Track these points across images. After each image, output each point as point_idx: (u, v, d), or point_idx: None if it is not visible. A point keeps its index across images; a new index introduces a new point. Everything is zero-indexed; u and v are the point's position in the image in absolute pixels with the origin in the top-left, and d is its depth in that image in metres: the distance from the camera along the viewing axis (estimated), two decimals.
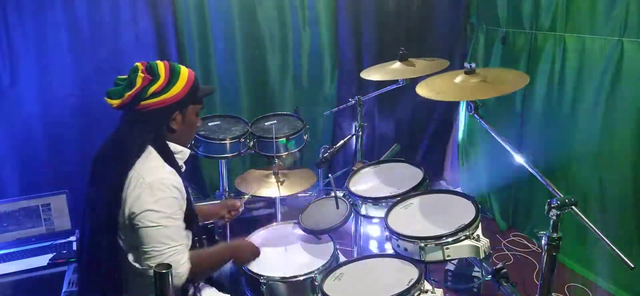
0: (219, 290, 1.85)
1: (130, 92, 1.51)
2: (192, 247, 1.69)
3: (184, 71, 1.59)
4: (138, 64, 1.55)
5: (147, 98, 1.52)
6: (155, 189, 1.49)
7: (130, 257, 1.54)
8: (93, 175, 1.61)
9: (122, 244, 1.54)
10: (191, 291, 1.70)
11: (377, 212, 2.07)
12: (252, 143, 2.72)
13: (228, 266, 2.02)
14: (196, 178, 3.33)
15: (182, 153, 1.66)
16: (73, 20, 2.80)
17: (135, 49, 2.95)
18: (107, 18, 2.87)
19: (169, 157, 1.59)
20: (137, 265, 1.53)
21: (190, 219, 1.65)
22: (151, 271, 1.40)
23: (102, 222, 1.53)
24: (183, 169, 1.69)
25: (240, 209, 2.10)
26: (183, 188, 1.58)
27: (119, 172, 1.51)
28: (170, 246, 1.51)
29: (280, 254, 2.05)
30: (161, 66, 1.55)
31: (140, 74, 1.51)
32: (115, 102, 1.53)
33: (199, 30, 3.11)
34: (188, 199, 1.63)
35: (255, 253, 1.94)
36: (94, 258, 1.57)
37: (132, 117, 1.56)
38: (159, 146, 1.57)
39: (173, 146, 1.62)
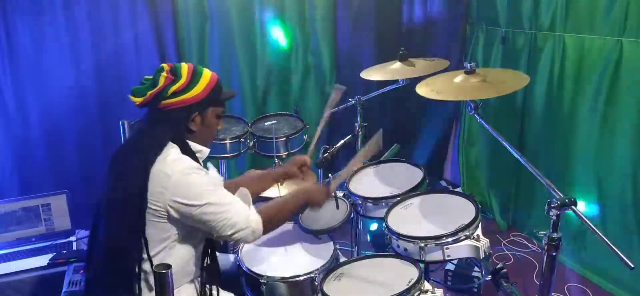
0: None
1: (152, 91, 1.54)
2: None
3: (206, 73, 1.61)
4: (164, 65, 1.58)
5: (167, 97, 1.54)
6: (186, 175, 1.52)
7: (171, 242, 1.57)
8: (111, 173, 1.60)
9: (162, 236, 1.55)
10: (209, 292, 1.71)
11: (377, 212, 2.07)
12: (252, 143, 2.72)
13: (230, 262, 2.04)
14: None
15: (201, 151, 1.68)
16: (73, 21, 2.80)
17: (135, 49, 2.95)
18: (106, 19, 2.87)
19: (189, 154, 1.60)
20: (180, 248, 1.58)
21: None
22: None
23: (125, 221, 1.53)
24: None
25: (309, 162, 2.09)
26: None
27: (139, 170, 1.51)
28: (227, 209, 1.56)
29: (280, 254, 2.04)
30: (184, 67, 1.58)
31: (164, 74, 1.55)
32: (138, 100, 1.56)
33: (198, 31, 3.11)
34: None
35: (327, 193, 1.94)
36: (113, 257, 1.56)
37: (154, 116, 1.59)
38: (179, 144, 1.59)
39: (193, 145, 1.64)
